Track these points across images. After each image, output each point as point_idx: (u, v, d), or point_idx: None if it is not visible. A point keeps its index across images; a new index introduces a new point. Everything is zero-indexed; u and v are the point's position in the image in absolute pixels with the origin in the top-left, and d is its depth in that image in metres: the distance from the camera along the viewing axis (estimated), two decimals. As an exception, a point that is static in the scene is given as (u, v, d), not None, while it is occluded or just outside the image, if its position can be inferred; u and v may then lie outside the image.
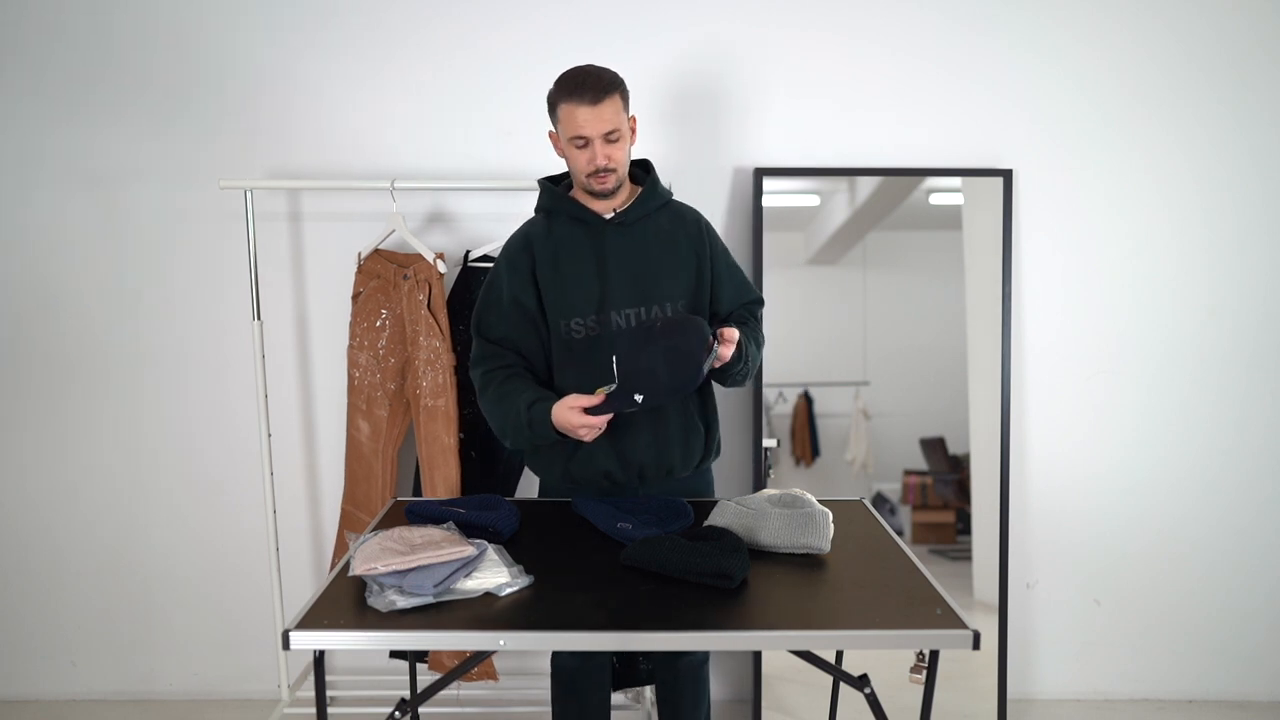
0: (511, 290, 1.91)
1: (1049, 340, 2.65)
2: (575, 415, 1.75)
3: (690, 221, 1.97)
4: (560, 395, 1.85)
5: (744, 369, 1.88)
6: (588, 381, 1.84)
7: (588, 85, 1.77)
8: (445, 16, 2.53)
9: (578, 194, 1.93)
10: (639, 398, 1.71)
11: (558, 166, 2.54)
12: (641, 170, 1.99)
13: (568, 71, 1.83)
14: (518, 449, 2.00)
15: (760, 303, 2.06)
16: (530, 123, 2.56)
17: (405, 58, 2.54)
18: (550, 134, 1.91)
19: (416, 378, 2.40)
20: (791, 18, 2.54)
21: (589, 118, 1.77)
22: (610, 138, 1.80)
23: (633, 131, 1.91)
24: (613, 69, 1.84)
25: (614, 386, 1.73)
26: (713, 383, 1.99)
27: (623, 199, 1.93)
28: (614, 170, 1.83)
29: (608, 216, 1.90)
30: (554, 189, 1.94)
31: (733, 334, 1.77)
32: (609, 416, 1.76)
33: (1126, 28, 2.54)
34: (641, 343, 1.73)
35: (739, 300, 2.01)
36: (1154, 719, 2.69)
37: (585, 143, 1.80)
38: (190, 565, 2.74)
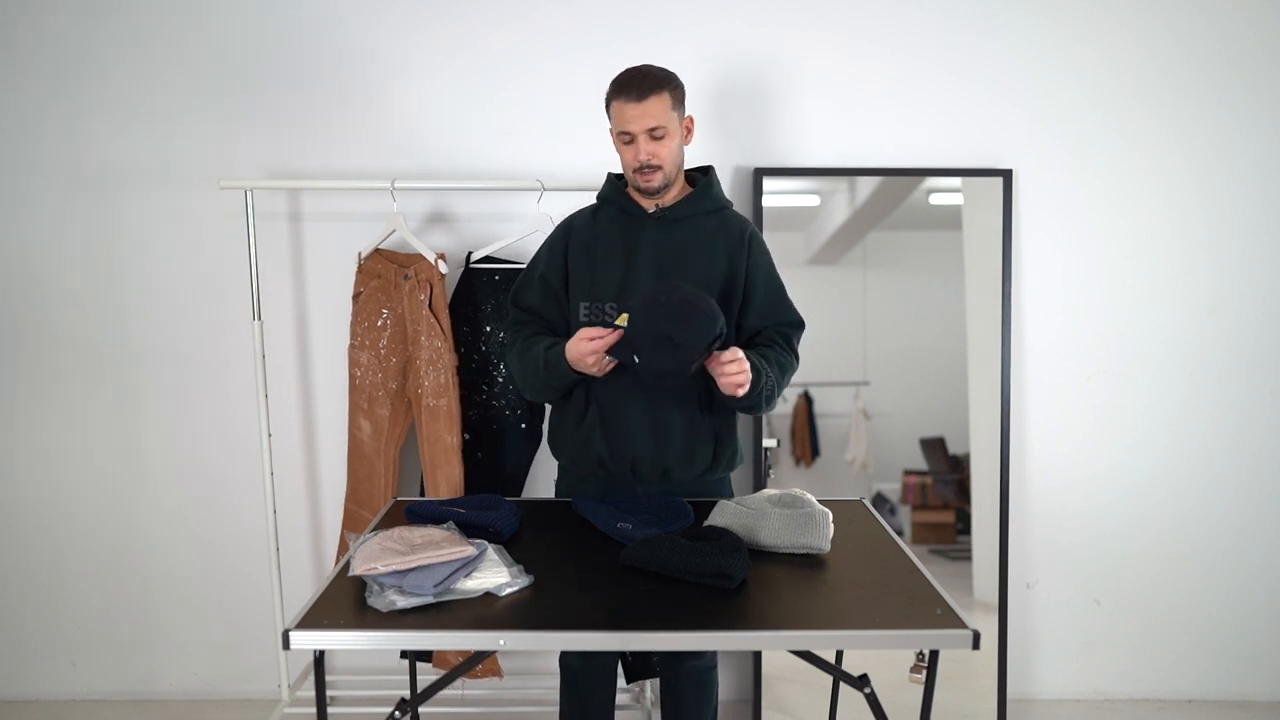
0: (544, 269, 1.98)
1: (1049, 340, 2.65)
2: (584, 343, 1.76)
3: (735, 229, 1.95)
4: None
5: (758, 398, 1.82)
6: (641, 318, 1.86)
7: (634, 82, 1.82)
8: (445, 16, 2.53)
9: (632, 190, 1.96)
10: (636, 359, 1.72)
11: (561, 167, 2.56)
12: (702, 174, 2.01)
13: (622, 71, 1.87)
14: (539, 399, 2.04)
15: (798, 325, 1.99)
16: (530, 123, 2.56)
17: (406, 57, 2.54)
18: (610, 131, 1.94)
19: (418, 377, 2.40)
20: (791, 18, 2.54)
21: (634, 114, 1.82)
22: (655, 134, 1.83)
23: (689, 132, 1.93)
24: (667, 69, 1.87)
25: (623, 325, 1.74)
26: None
27: (671, 196, 1.95)
28: (658, 167, 1.85)
29: (650, 210, 1.93)
30: (615, 181, 2.00)
31: (730, 357, 1.73)
32: (613, 338, 1.75)
33: (1126, 28, 2.54)
34: (654, 314, 1.69)
35: (771, 319, 1.95)
36: (1154, 719, 2.69)
37: (630, 138, 1.84)
38: (190, 565, 2.74)
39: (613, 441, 1.91)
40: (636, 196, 1.95)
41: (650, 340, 1.69)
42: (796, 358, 1.97)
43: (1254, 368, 2.65)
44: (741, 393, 1.75)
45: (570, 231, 1.98)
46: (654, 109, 1.81)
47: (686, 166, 2.01)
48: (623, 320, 1.76)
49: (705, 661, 2.03)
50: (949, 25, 2.54)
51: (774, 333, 1.96)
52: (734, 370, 1.72)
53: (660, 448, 1.90)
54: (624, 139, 1.86)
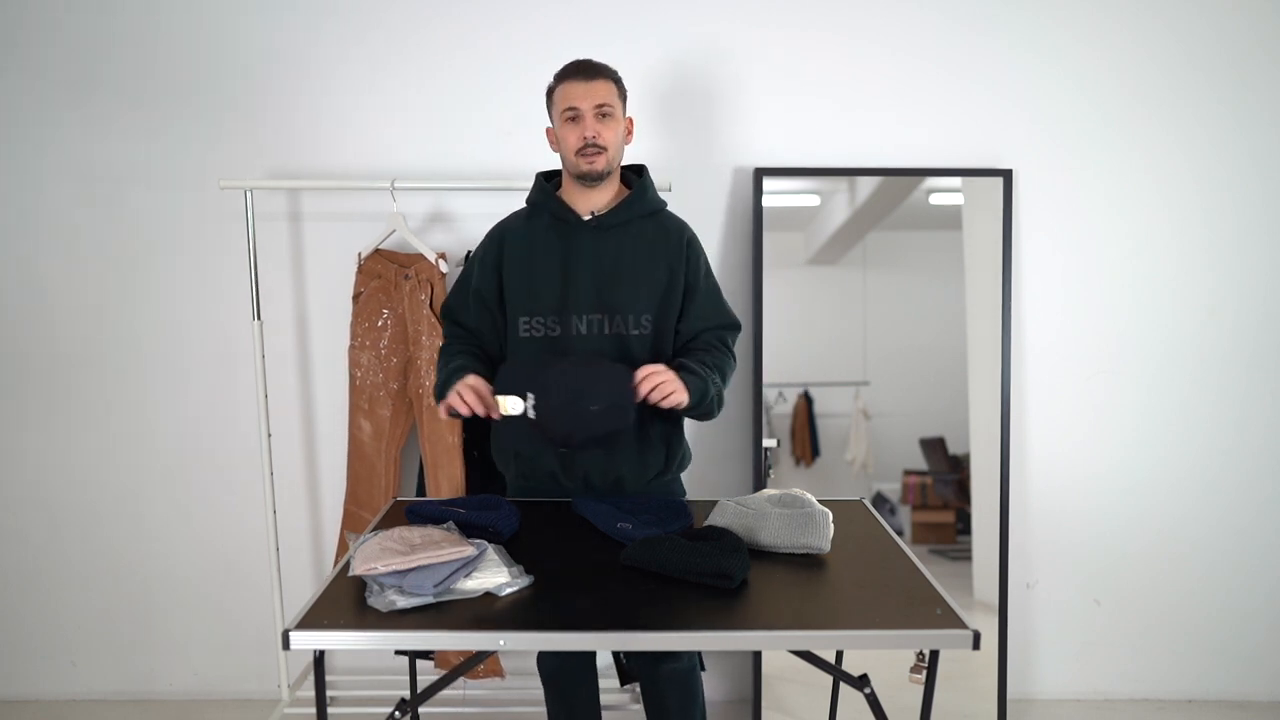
0: (477, 283, 1.94)
1: (1049, 340, 2.65)
2: (466, 388, 1.74)
3: (673, 233, 1.93)
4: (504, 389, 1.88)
5: (706, 408, 1.83)
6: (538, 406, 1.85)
7: (582, 66, 1.86)
8: (445, 16, 2.53)
9: (565, 191, 1.93)
10: (571, 437, 1.74)
11: (558, 166, 2.56)
12: (635, 175, 1.98)
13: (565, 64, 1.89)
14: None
15: (734, 327, 1.98)
16: (530, 123, 2.56)
17: (406, 57, 2.54)
18: (547, 130, 1.92)
19: (419, 377, 2.40)
20: (791, 18, 2.54)
21: (581, 91, 1.82)
22: (602, 110, 1.83)
23: (629, 133, 1.93)
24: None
25: (520, 412, 1.73)
26: None
27: (608, 199, 1.92)
28: (604, 150, 1.84)
29: (585, 218, 1.90)
30: (544, 184, 1.96)
31: (650, 371, 1.73)
32: (476, 407, 1.76)
33: (1126, 28, 2.54)
34: (568, 396, 1.71)
35: (709, 323, 1.93)
36: (1154, 719, 2.69)
37: (576, 114, 1.83)
38: (190, 565, 2.74)
39: (564, 457, 1.89)
40: (571, 200, 1.91)
41: (588, 415, 1.70)
42: (734, 357, 1.97)
43: (1254, 368, 2.65)
44: (679, 400, 1.74)
45: (502, 242, 1.94)
46: (600, 88, 1.83)
47: (628, 162, 2.01)
48: (506, 408, 1.74)
49: (684, 664, 1.98)
50: (949, 25, 2.54)
51: (712, 337, 1.94)
52: (659, 380, 1.72)
53: (610, 459, 1.89)
54: (569, 115, 1.83)
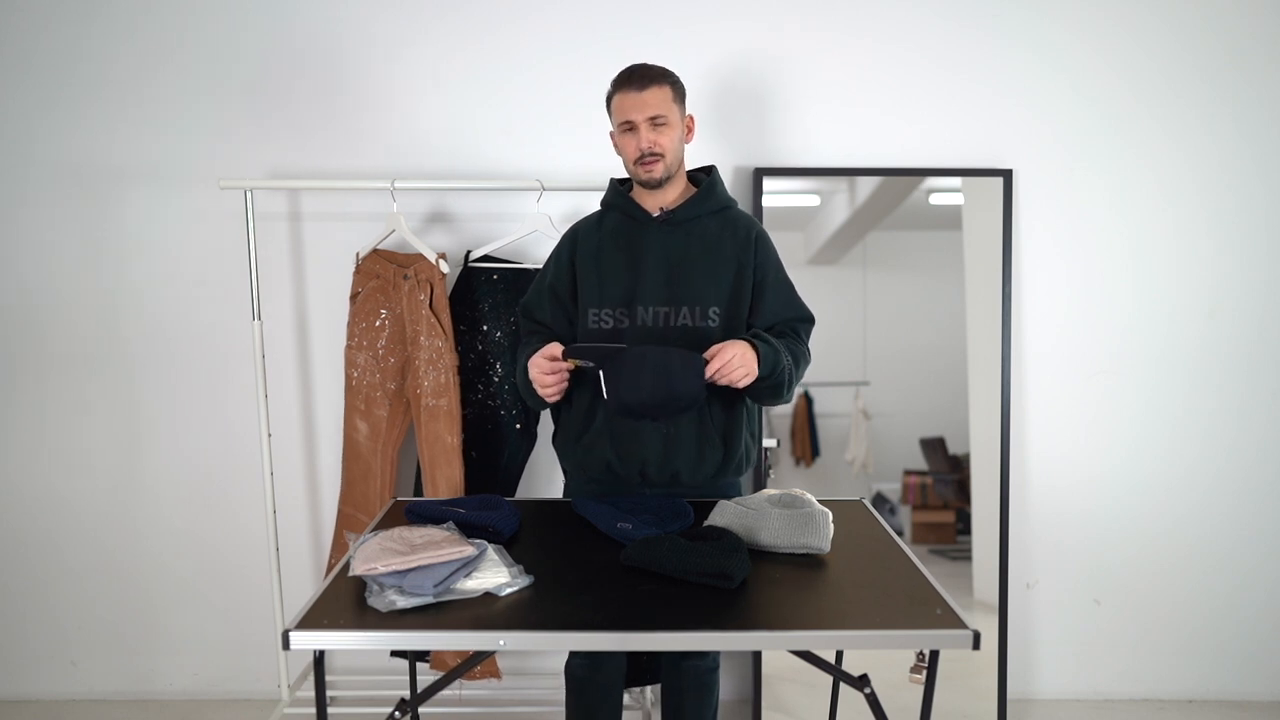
0: (551, 279, 2.00)
1: (1049, 340, 2.65)
2: (540, 374, 1.82)
3: (741, 229, 1.95)
4: (579, 384, 1.91)
5: (777, 379, 1.83)
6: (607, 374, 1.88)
7: (635, 74, 1.86)
8: (445, 16, 2.53)
9: (636, 192, 1.97)
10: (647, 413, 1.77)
11: (560, 166, 2.56)
12: (705, 175, 2.01)
13: (622, 69, 1.90)
14: (537, 409, 2.14)
15: (808, 320, 1.98)
16: (530, 122, 2.56)
17: (405, 57, 2.54)
18: (610, 134, 1.95)
19: (418, 377, 2.40)
20: (792, 18, 2.54)
21: (634, 102, 1.84)
22: (656, 122, 1.85)
23: (690, 131, 1.95)
24: (667, 67, 1.91)
25: (589, 366, 1.78)
26: (747, 400, 1.96)
27: (674, 197, 1.95)
28: (660, 156, 1.86)
29: (655, 214, 1.93)
30: (617, 186, 2.01)
31: (719, 350, 1.75)
32: (563, 377, 1.82)
33: (1126, 27, 2.54)
34: (637, 371, 1.73)
35: (781, 315, 1.94)
36: (1154, 719, 2.69)
37: (631, 126, 1.86)
38: (190, 565, 2.74)
39: (620, 445, 1.90)
40: (641, 199, 1.95)
41: (653, 392, 1.72)
42: (808, 350, 1.96)
43: (1254, 368, 2.65)
44: (747, 380, 1.75)
45: (575, 239, 1.99)
46: (654, 98, 1.84)
47: (690, 167, 2.02)
48: (577, 363, 1.79)
49: (707, 662, 2.01)
50: (949, 25, 2.54)
51: (784, 328, 1.95)
52: (725, 363, 1.73)
53: (669, 450, 1.90)
54: (625, 128, 1.87)
